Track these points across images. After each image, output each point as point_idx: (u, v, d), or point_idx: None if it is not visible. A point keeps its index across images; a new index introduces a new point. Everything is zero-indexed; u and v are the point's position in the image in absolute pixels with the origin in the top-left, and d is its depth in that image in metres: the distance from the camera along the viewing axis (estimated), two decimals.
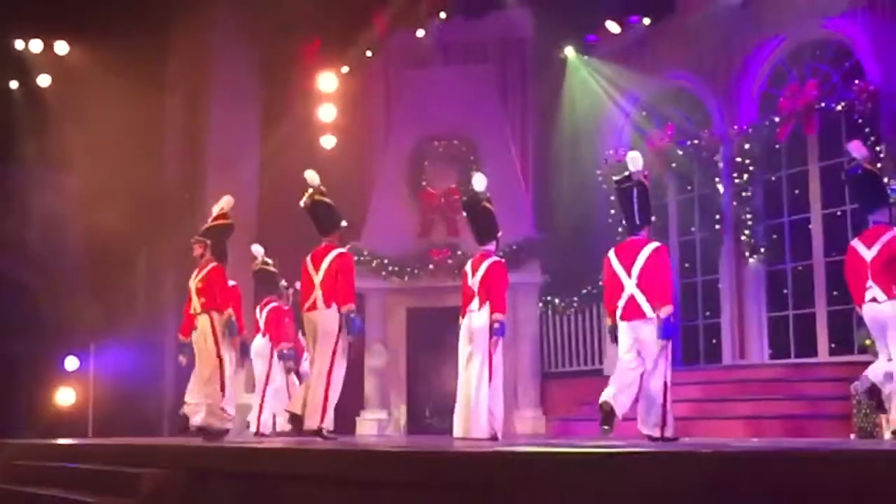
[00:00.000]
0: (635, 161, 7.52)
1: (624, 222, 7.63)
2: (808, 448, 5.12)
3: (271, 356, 11.16)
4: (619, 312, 7.29)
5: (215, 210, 9.25)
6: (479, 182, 8.77)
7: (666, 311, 7.10)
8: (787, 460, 4.13)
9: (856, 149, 7.64)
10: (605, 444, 6.29)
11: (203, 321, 8.92)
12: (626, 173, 7.51)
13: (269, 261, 11.50)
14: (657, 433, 7.07)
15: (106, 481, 7.52)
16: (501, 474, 4.78)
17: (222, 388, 8.97)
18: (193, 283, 9.06)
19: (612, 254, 7.44)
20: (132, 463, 7.60)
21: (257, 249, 11.52)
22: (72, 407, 13.94)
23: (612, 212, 13.45)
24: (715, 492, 3.93)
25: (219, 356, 8.90)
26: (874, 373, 7.22)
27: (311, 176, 8.64)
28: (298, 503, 5.85)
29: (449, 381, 14.23)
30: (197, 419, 8.82)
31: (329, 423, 8.05)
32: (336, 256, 8.28)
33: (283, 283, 11.42)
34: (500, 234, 8.79)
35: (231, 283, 9.23)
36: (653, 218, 7.63)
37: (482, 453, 5.34)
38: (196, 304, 8.95)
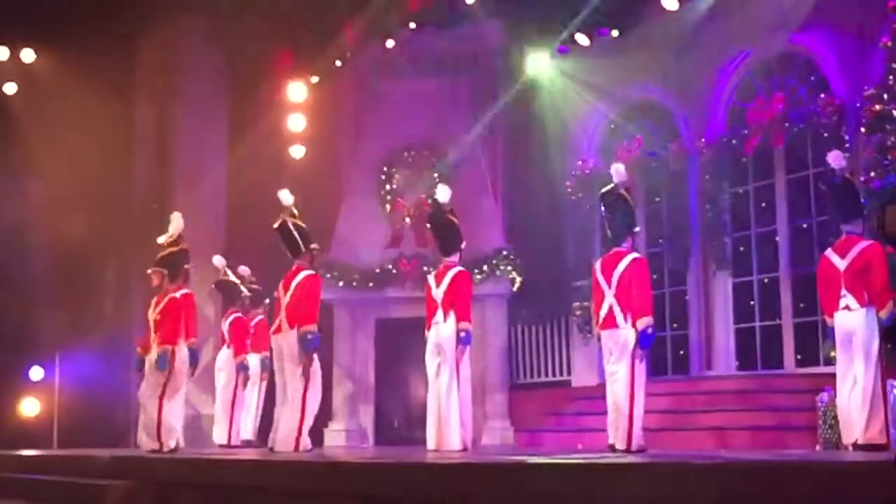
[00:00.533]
0: (619, 172, 7.60)
1: (608, 233, 7.69)
2: (774, 460, 5.15)
3: (237, 369, 11.15)
4: (599, 322, 7.40)
5: (164, 237, 9.17)
6: (442, 194, 8.80)
7: (644, 322, 7.16)
8: (753, 472, 4.16)
9: (835, 159, 7.77)
10: (574, 455, 6.31)
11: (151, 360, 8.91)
12: (611, 185, 7.59)
13: (230, 272, 11.51)
14: (623, 444, 7.11)
15: (71, 494, 7.46)
16: (468, 485, 4.78)
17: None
18: (151, 314, 9.02)
19: (597, 265, 7.56)
20: (98, 475, 7.54)
21: (219, 261, 11.54)
22: (36, 418, 13.78)
23: (599, 222, 13.55)
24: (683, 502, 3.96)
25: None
26: None
27: (285, 196, 8.64)
28: None
29: (418, 391, 14.30)
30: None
31: (305, 446, 8.04)
32: (304, 279, 8.29)
33: (245, 291, 11.44)
34: (463, 245, 8.82)
35: (184, 291, 9.12)
36: (636, 229, 7.74)
37: (450, 465, 5.33)
38: (153, 336, 8.91)
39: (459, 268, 8.57)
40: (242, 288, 11.54)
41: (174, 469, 7.18)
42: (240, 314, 11.39)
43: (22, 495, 8.05)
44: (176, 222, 9.25)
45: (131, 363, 11.11)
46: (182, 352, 8.82)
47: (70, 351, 13.45)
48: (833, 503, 3.80)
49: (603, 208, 7.77)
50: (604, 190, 7.73)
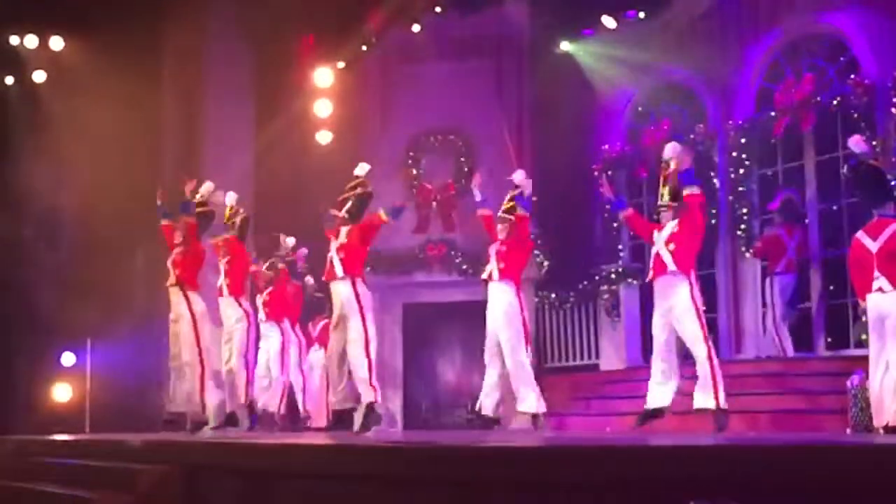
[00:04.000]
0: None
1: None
2: (804, 442, 5.13)
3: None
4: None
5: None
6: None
7: None
8: (784, 453, 4.14)
9: (856, 144, 7.72)
10: (608, 438, 6.30)
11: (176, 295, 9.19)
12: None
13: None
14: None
15: (103, 477, 7.52)
16: (501, 469, 4.78)
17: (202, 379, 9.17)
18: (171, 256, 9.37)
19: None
20: (130, 459, 7.60)
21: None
22: (68, 403, 13.92)
23: (608, 206, 13.51)
24: (709, 485, 3.95)
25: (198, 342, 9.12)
26: None
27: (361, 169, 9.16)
28: (296, 498, 5.86)
29: (445, 375, 14.33)
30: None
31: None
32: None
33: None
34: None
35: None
36: None
37: (480, 448, 5.34)
38: (171, 276, 9.23)
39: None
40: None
41: (206, 452, 7.23)
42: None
43: (55, 480, 8.14)
44: (206, 185, 9.85)
45: (161, 347, 11.22)
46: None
47: (101, 337, 13.56)
48: (863, 485, 3.78)
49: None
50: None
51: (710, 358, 7.72)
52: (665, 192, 8.06)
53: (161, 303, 10.38)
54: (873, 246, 7.35)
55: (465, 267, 14.00)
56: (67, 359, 14.03)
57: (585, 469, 4.44)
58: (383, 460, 5.50)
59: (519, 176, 9.22)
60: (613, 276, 13.27)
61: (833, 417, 9.11)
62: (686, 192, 7.94)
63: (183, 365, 9.61)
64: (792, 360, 11.37)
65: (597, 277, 13.41)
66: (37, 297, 13.59)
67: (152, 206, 10.43)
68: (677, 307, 7.82)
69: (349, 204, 8.82)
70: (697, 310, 7.79)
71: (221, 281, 10.09)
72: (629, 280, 13.20)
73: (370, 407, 8.53)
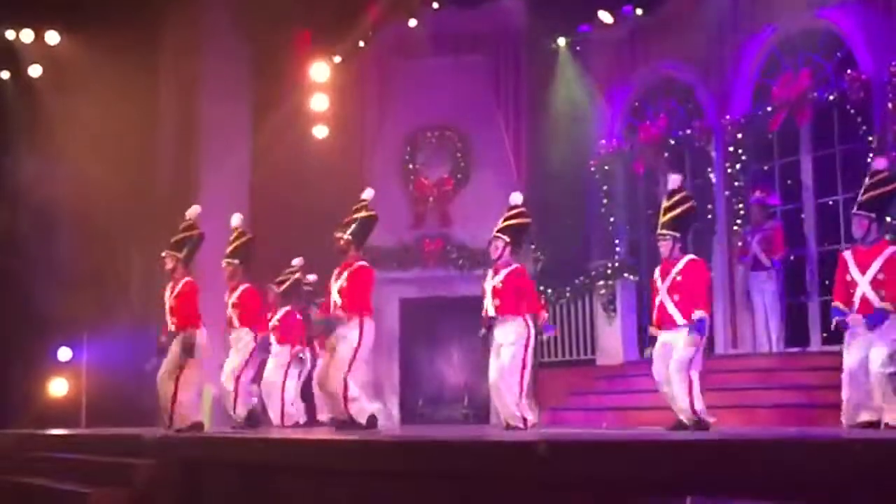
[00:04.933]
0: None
1: None
2: (801, 436, 5.14)
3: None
4: None
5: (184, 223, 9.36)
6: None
7: None
8: (780, 448, 4.15)
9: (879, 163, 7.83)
10: (602, 432, 6.31)
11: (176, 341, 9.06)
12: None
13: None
14: None
15: (100, 472, 7.52)
16: (499, 462, 4.79)
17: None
18: (168, 300, 9.16)
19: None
20: (126, 453, 7.60)
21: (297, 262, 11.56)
22: (65, 397, 13.91)
23: (605, 201, 13.52)
24: (706, 479, 3.95)
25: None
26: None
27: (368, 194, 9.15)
28: (293, 493, 5.86)
29: (442, 371, 14.32)
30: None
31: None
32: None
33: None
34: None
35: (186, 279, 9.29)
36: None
37: (478, 442, 5.35)
38: (170, 322, 9.07)
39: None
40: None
41: (202, 448, 7.24)
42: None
43: (51, 474, 8.13)
44: (193, 209, 9.47)
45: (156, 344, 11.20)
46: (202, 336, 8.99)
47: (98, 332, 13.55)
48: (859, 480, 3.79)
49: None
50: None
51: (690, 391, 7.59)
52: (665, 221, 8.00)
53: (157, 298, 10.35)
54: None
55: (461, 262, 14.01)
56: (64, 353, 14.02)
57: (582, 464, 4.44)
58: (381, 455, 5.51)
59: (515, 199, 8.85)
60: (610, 271, 13.28)
61: (829, 412, 9.12)
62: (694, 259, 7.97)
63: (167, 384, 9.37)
64: (788, 356, 11.40)
65: (593, 273, 13.42)
66: (33, 291, 13.57)
67: (148, 202, 10.39)
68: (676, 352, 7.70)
69: (353, 226, 8.77)
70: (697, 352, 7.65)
71: (230, 312, 9.86)
72: (625, 275, 13.21)
73: (370, 421, 8.50)
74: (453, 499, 4.79)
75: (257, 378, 10.84)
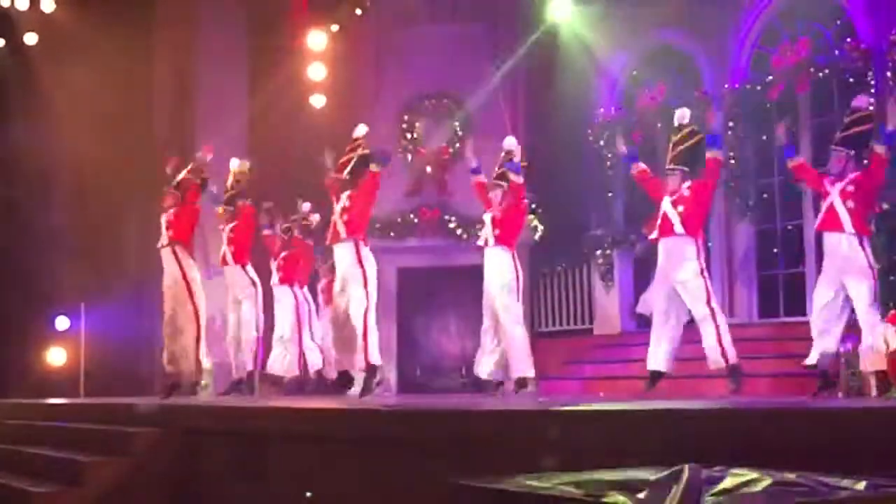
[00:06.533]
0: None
1: None
2: (796, 406, 5.16)
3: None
4: None
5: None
6: None
7: None
8: (774, 417, 4.17)
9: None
10: (602, 402, 6.32)
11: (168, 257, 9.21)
12: None
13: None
14: None
15: (99, 440, 7.55)
16: (494, 429, 4.81)
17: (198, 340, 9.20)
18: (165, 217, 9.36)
19: None
20: (125, 422, 7.62)
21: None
22: (63, 367, 13.92)
23: (605, 169, 13.48)
24: (702, 448, 3.97)
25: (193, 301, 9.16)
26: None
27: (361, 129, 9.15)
28: (291, 461, 5.88)
29: (439, 340, 14.34)
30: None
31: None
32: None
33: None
34: None
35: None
36: None
37: (474, 410, 5.37)
38: (164, 237, 9.24)
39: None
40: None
41: (201, 416, 7.26)
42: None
43: (50, 443, 8.15)
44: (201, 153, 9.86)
45: (155, 311, 11.25)
46: None
47: (95, 300, 13.55)
48: (862, 448, 3.81)
49: None
50: None
51: (714, 318, 7.82)
52: (675, 155, 8.13)
53: (155, 266, 10.35)
54: None
55: (458, 231, 13.98)
56: (62, 322, 14.02)
57: (577, 432, 4.46)
58: (376, 423, 5.53)
59: (509, 142, 9.23)
60: (607, 241, 13.27)
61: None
62: (710, 154, 8.08)
63: (176, 329, 9.56)
64: (785, 324, 11.42)
65: (591, 242, 13.40)
66: (30, 260, 13.56)
67: (144, 171, 10.40)
68: (681, 272, 7.87)
69: (351, 164, 8.81)
70: (702, 271, 7.89)
71: (224, 249, 10.04)
72: (623, 245, 13.21)
73: (371, 371, 8.59)
74: (451, 465, 4.81)
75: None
